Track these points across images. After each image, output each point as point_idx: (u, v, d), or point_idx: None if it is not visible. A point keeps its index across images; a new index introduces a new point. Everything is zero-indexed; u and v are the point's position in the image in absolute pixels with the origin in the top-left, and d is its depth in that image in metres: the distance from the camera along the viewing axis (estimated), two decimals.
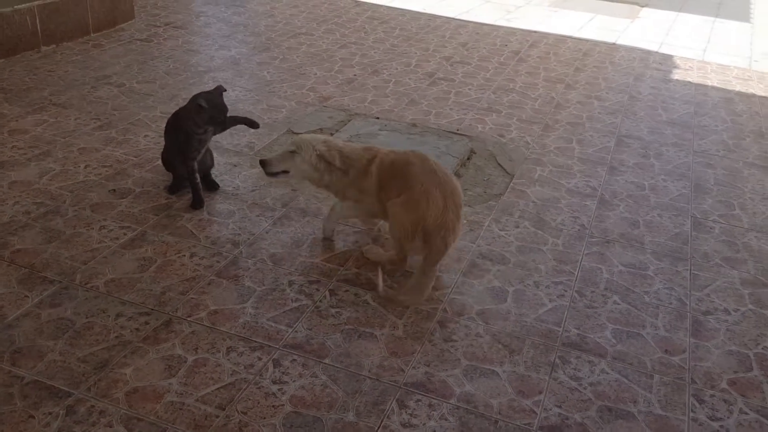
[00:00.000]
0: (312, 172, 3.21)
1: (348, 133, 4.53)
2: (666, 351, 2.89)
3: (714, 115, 5.55)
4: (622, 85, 6.05)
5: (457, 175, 4.21)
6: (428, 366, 2.69)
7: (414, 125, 4.82)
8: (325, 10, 7.58)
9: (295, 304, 2.96)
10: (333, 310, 2.95)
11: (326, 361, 2.67)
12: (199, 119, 3.37)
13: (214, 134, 3.54)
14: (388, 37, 6.82)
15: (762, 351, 2.94)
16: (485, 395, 2.57)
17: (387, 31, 7.03)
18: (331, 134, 4.54)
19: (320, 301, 3.00)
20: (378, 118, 4.88)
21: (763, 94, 6.18)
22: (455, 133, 4.76)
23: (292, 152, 3.19)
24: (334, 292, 3.06)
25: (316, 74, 5.66)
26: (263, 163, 3.22)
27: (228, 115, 3.46)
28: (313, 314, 2.91)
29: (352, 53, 6.26)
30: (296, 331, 2.81)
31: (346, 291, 3.07)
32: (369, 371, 2.64)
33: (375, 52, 6.34)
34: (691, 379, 2.76)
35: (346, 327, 2.86)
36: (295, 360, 2.66)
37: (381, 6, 7.93)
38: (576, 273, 3.37)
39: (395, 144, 4.42)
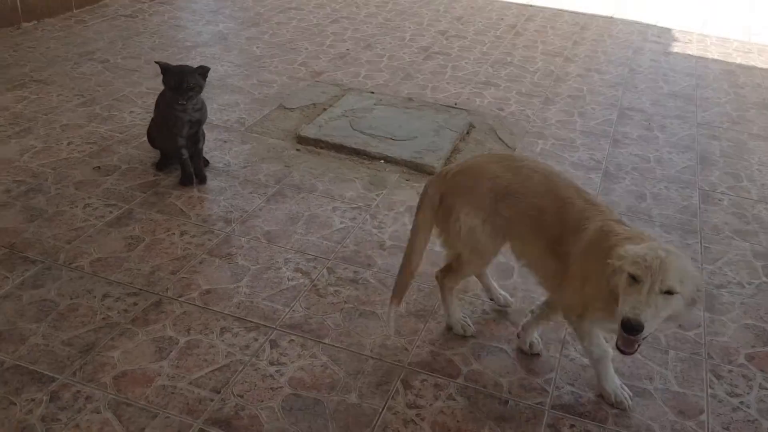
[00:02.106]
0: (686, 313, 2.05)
1: (342, 107, 4.36)
2: (680, 326, 2.77)
3: (716, 88, 5.41)
4: (621, 58, 5.90)
5: (457, 149, 4.06)
6: (433, 345, 2.55)
7: (410, 99, 4.65)
8: None
9: (291, 283, 2.81)
10: (332, 289, 2.80)
11: (326, 341, 2.53)
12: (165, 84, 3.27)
13: (193, 115, 3.34)
14: (380, 12, 6.63)
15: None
16: (494, 373, 2.44)
17: (379, 5, 6.83)
18: (324, 109, 4.37)
19: (318, 279, 2.85)
20: (373, 92, 4.71)
21: (764, 66, 6.04)
22: (453, 107, 4.60)
23: (668, 293, 1.91)
24: (333, 270, 2.91)
25: (307, 49, 5.48)
26: (633, 328, 1.89)
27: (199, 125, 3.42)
28: (311, 293, 2.77)
29: (344, 28, 6.07)
30: (294, 311, 2.66)
31: (345, 269, 2.93)
32: (371, 351, 2.50)
33: (368, 27, 6.15)
34: (708, 354, 2.64)
35: (346, 306, 2.71)
36: (293, 340, 2.51)
37: None
38: None
39: (392, 118, 4.26)
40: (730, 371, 2.56)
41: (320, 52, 5.43)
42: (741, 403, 2.42)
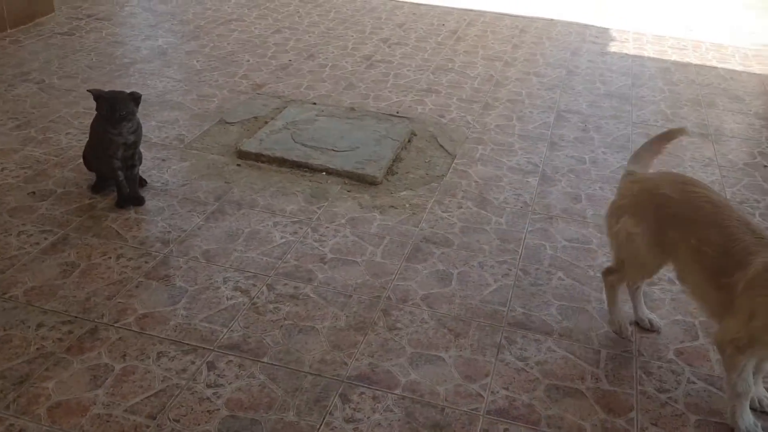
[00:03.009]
0: None
1: (284, 120, 4.38)
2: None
3: (651, 86, 5.57)
4: (560, 60, 6.03)
5: (399, 158, 4.10)
6: (372, 357, 2.59)
7: (352, 109, 4.69)
8: None
9: (230, 302, 2.82)
10: (271, 306, 2.82)
11: (264, 360, 2.54)
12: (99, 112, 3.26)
13: (126, 138, 3.31)
14: (323, 20, 6.65)
15: (707, 319, 2.93)
16: (431, 382, 2.49)
17: (322, 14, 6.85)
18: (266, 122, 4.38)
19: (257, 297, 2.86)
20: (315, 103, 4.73)
21: (698, 62, 6.24)
22: (395, 116, 4.64)
23: None
24: (272, 287, 2.93)
25: (248, 61, 5.47)
26: None
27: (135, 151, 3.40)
28: (250, 311, 2.78)
29: (286, 38, 6.08)
30: (232, 331, 2.67)
31: (285, 285, 2.95)
32: (310, 367, 2.52)
33: (310, 36, 6.17)
34: (638, 351, 2.73)
35: (286, 323, 2.73)
36: (231, 361, 2.52)
37: None
38: (520, 251, 3.31)
39: (334, 129, 4.29)
40: (659, 367, 2.65)
41: (262, 64, 5.43)
42: (669, 398, 2.51)
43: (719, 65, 6.19)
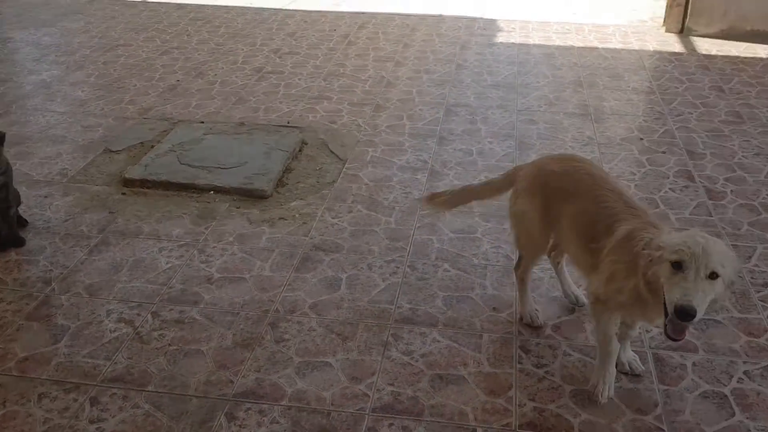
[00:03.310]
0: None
1: (170, 142, 4.34)
2: (494, 309, 2.97)
3: (536, 73, 5.77)
4: (449, 56, 6.17)
5: (289, 169, 4.13)
6: (259, 371, 2.61)
7: (241, 124, 4.69)
8: (145, 17, 7.24)
9: (114, 335, 2.79)
10: (156, 333, 2.80)
11: (149, 388, 2.53)
12: None
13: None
14: (212, 37, 6.61)
15: (583, 291, 3.07)
16: (318, 389, 2.53)
17: (211, 30, 6.81)
18: (152, 146, 4.33)
19: (141, 326, 2.84)
20: (203, 122, 4.71)
21: (581, 44, 6.49)
22: (285, 126, 4.67)
23: (713, 276, 2.02)
24: (157, 314, 2.91)
25: (135, 86, 5.39)
26: (687, 313, 1.98)
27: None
28: (134, 341, 2.76)
29: (174, 58, 6.01)
30: (115, 363, 2.65)
31: (171, 310, 2.94)
32: (196, 390, 2.53)
33: (199, 54, 6.12)
34: (518, 331, 2.84)
35: (171, 348, 2.73)
36: (114, 394, 2.50)
37: (205, 6, 7.67)
38: (408, 248, 3.39)
39: (222, 146, 4.28)
40: (537, 344, 2.77)
41: (149, 87, 5.37)
42: (546, 372, 2.63)
43: (600, 45, 6.46)
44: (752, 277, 3.15)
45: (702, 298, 2.00)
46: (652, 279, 2.12)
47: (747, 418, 2.42)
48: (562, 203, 2.59)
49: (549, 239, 2.79)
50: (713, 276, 2.02)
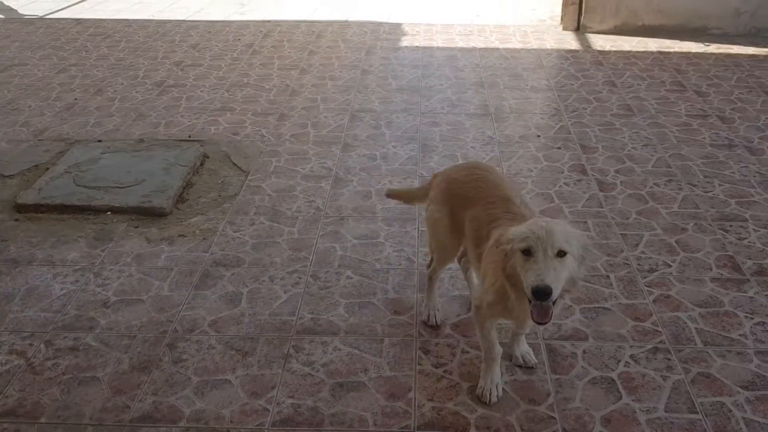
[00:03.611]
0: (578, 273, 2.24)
1: (66, 164, 4.21)
2: (396, 312, 3.02)
3: (439, 75, 5.88)
4: (354, 61, 6.22)
5: (190, 184, 4.08)
6: (156, 395, 2.57)
7: (141, 141, 4.60)
8: (42, 35, 6.99)
9: (4, 368, 2.69)
10: (49, 363, 2.72)
11: (42, 420, 2.46)
12: None
13: None
14: (112, 52, 6.44)
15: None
16: (217, 407, 2.52)
17: (111, 45, 6.64)
18: (47, 169, 4.20)
19: (34, 356, 2.75)
20: (100, 141, 4.60)
21: (482, 45, 6.65)
22: (186, 141, 4.61)
23: (561, 254, 2.12)
24: (51, 343, 2.83)
25: (30, 107, 5.20)
26: (543, 292, 2.06)
27: None
28: (27, 373, 2.67)
29: (71, 76, 5.83)
30: (6, 397, 2.55)
31: (65, 338, 2.85)
32: (91, 418, 2.47)
33: (98, 71, 5.96)
34: (419, 333, 2.90)
35: (65, 377, 2.65)
36: (5, 429, 2.42)
37: (105, 20, 7.47)
38: (311, 257, 3.41)
39: (119, 165, 4.18)
40: (436, 344, 2.84)
41: (45, 108, 5.19)
42: (445, 371, 2.69)
43: (501, 46, 6.64)
44: (639, 264, 3.31)
45: (555, 275, 2.08)
46: (511, 272, 2.21)
47: (633, 400, 2.54)
48: (463, 210, 2.66)
49: (459, 245, 2.83)
50: (561, 254, 2.11)
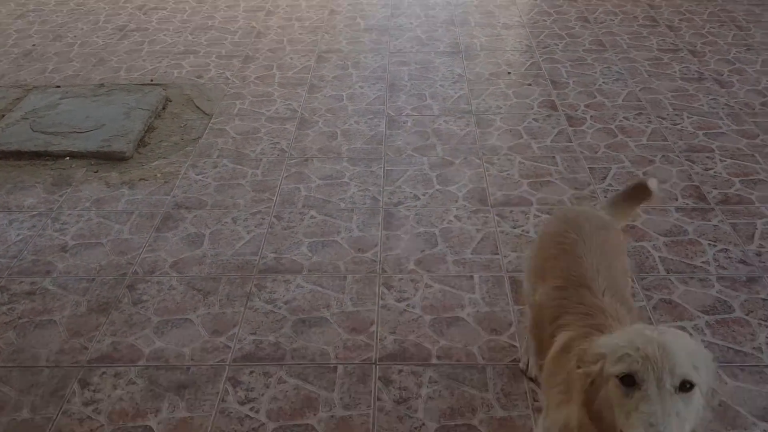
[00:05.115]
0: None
1: (23, 110, 4.08)
2: (359, 250, 2.98)
3: (409, 14, 5.74)
4: (322, 1, 6.05)
5: (151, 128, 3.98)
6: (114, 335, 2.54)
7: (101, 86, 4.46)
8: None
9: None
10: (5, 308, 2.67)
11: None
12: None
13: None
14: None
15: (446, 225, 3.13)
16: (177, 346, 2.49)
17: None
18: (3, 116, 4.07)
19: None
20: (59, 86, 4.45)
21: None
22: (148, 85, 4.48)
23: (686, 387, 1.29)
24: (6, 288, 2.77)
25: None
26: None
27: None
28: None
29: (30, 22, 5.63)
30: None
31: (21, 283, 2.80)
32: (47, 360, 2.44)
33: (57, 16, 5.75)
34: (382, 269, 2.87)
35: (21, 321, 2.61)
36: None
37: None
38: (275, 198, 3.35)
39: (78, 110, 4.06)
40: (400, 279, 2.81)
41: (1, 54, 5.01)
42: (408, 305, 2.68)
43: None
44: (605, 196, 3.29)
45: (678, 425, 1.25)
46: (598, 409, 1.39)
47: None
48: (539, 280, 1.91)
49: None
50: (686, 387, 1.29)
